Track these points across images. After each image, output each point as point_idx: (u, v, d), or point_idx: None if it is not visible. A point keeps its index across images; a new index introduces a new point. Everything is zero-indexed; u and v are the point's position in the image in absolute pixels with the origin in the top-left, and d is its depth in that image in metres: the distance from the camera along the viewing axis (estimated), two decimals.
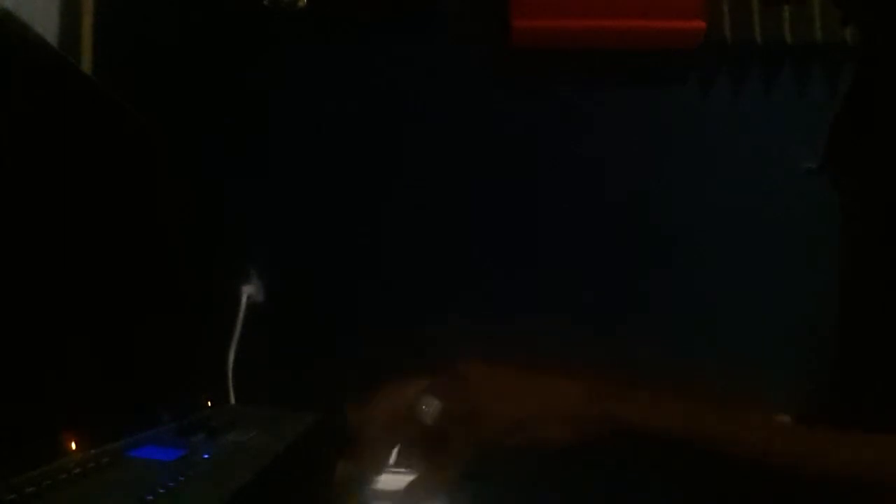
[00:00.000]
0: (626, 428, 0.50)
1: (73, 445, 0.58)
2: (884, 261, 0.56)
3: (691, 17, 1.44)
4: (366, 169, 1.47)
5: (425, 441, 0.53)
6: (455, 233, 1.46)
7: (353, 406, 0.59)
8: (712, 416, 0.50)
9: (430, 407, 0.53)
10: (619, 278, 1.45)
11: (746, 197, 1.44)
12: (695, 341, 1.42)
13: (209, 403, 0.97)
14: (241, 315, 1.39)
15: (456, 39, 1.48)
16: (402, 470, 0.54)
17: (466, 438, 0.51)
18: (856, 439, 0.46)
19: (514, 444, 0.52)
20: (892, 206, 0.54)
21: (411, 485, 0.52)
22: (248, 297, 1.40)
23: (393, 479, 0.54)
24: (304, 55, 1.48)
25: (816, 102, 1.45)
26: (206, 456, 0.63)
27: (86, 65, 1.33)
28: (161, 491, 0.50)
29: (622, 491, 0.62)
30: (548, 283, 1.44)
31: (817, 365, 0.64)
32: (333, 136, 1.48)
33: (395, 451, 0.55)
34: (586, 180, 1.48)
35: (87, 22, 1.35)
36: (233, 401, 1.26)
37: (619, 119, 1.49)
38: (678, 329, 1.43)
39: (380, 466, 0.54)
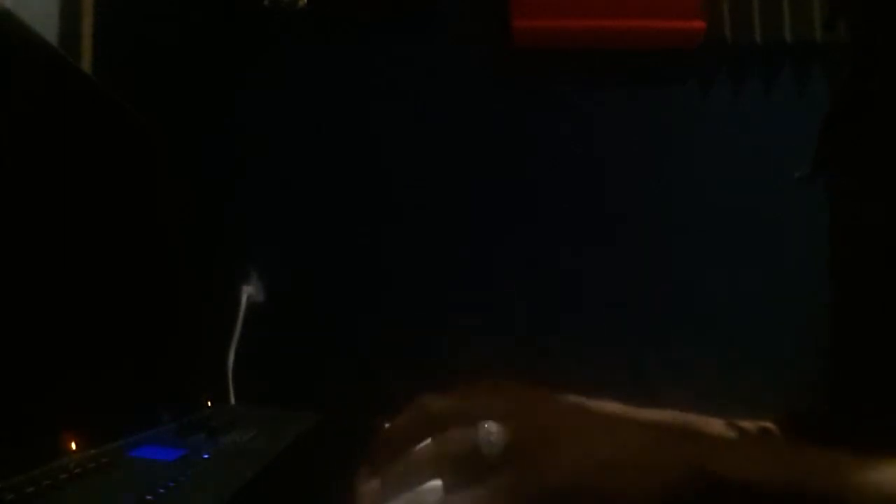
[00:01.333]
0: (714, 480, 0.42)
1: (73, 445, 0.58)
2: (878, 263, 0.55)
3: (691, 17, 1.44)
4: (366, 169, 1.48)
5: (472, 474, 0.44)
6: (455, 232, 1.46)
7: (386, 420, 0.50)
8: (821, 464, 0.42)
9: (494, 437, 0.43)
10: (619, 278, 1.45)
11: (746, 196, 1.44)
12: (694, 340, 1.42)
13: (209, 403, 0.97)
14: (241, 315, 1.39)
15: (456, 39, 1.48)
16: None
17: (530, 479, 0.43)
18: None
19: (587, 489, 0.42)
20: (887, 207, 0.54)
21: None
22: (248, 297, 1.40)
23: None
24: (304, 55, 1.48)
25: (816, 102, 1.45)
26: (206, 456, 0.63)
27: (86, 65, 1.33)
28: (161, 491, 0.50)
29: None
30: (547, 282, 1.44)
31: (816, 365, 0.64)
32: (333, 136, 1.48)
33: (433, 483, 0.46)
34: (586, 180, 1.48)
35: (87, 22, 1.35)
36: (233, 401, 1.26)
37: (619, 119, 1.49)
38: (678, 328, 1.43)
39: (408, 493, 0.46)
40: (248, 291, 1.41)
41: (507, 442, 0.43)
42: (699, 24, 1.44)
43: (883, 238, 0.54)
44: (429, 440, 0.46)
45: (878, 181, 0.55)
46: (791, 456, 0.42)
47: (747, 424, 0.68)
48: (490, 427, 0.43)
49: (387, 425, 0.50)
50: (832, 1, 0.63)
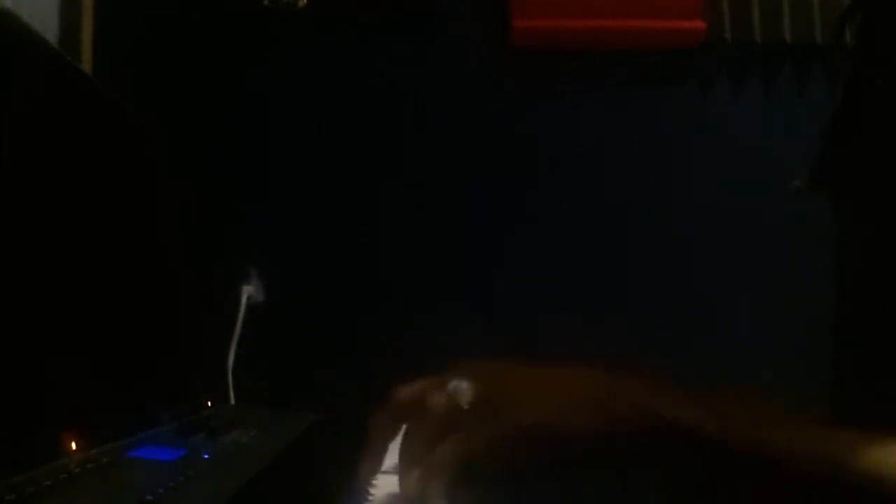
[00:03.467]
0: (659, 422, 0.48)
1: (73, 445, 0.58)
2: (883, 266, 0.55)
3: (691, 17, 1.44)
4: (366, 169, 1.48)
5: (436, 429, 0.51)
6: (455, 232, 1.46)
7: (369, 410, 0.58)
8: (752, 415, 0.48)
9: (461, 388, 0.51)
10: (619, 278, 1.45)
11: (746, 196, 1.44)
12: (694, 340, 1.42)
13: (209, 403, 0.97)
14: (241, 315, 1.38)
15: (456, 39, 1.48)
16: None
17: (492, 426, 0.50)
18: (888, 442, 0.45)
19: (548, 432, 0.50)
20: (888, 217, 0.54)
21: (411, 480, 0.50)
22: (248, 297, 1.40)
23: (393, 482, 0.53)
24: (304, 55, 1.48)
25: (816, 102, 1.45)
26: (206, 456, 0.63)
27: (86, 65, 1.33)
28: (161, 491, 0.50)
29: (643, 492, 0.59)
30: (547, 282, 1.44)
31: (817, 368, 0.63)
32: (333, 136, 1.48)
33: (400, 434, 0.53)
34: (586, 180, 1.48)
35: (87, 22, 1.35)
36: (233, 401, 1.26)
37: (619, 119, 1.49)
38: (678, 328, 1.43)
39: (384, 450, 0.52)
40: (248, 291, 1.41)
41: (476, 394, 0.50)
42: (699, 24, 1.44)
43: (888, 249, 0.54)
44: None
45: (882, 192, 0.55)
46: (727, 408, 0.49)
47: None
48: (459, 382, 0.51)
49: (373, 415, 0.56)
50: (843, 10, 0.64)
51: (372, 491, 0.55)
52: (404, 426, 0.54)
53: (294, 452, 0.72)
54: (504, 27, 1.45)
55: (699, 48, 1.46)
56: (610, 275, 1.45)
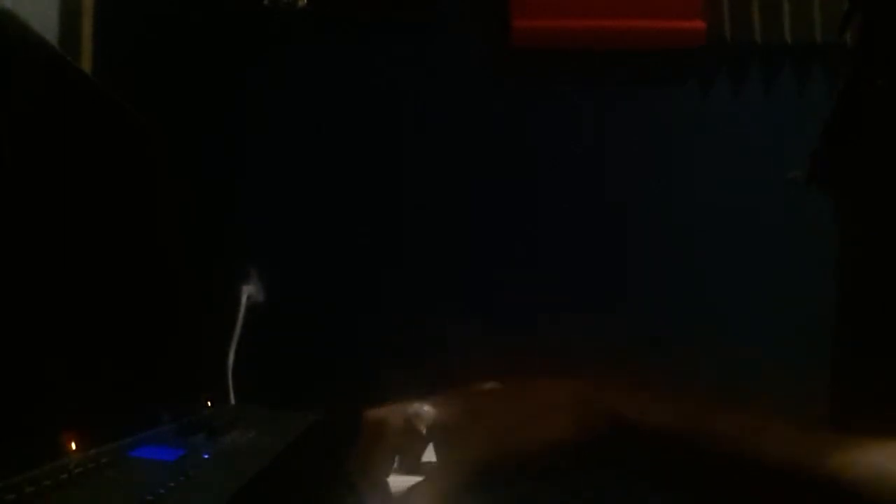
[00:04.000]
0: (625, 424, 0.48)
1: (73, 445, 0.58)
2: (881, 264, 0.55)
3: (691, 17, 1.44)
4: (366, 169, 1.48)
5: (423, 451, 0.52)
6: (455, 232, 1.46)
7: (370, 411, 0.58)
8: (717, 415, 0.48)
9: (422, 413, 0.51)
10: (620, 277, 1.45)
11: (746, 196, 1.44)
12: (694, 341, 1.42)
13: (209, 403, 0.97)
14: (241, 315, 1.38)
15: (456, 39, 1.48)
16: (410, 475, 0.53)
17: (463, 446, 0.49)
18: (861, 443, 0.45)
19: (513, 449, 0.49)
20: (886, 216, 0.54)
21: (410, 490, 0.51)
22: (248, 297, 1.40)
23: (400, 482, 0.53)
24: (304, 55, 1.48)
25: (816, 102, 1.45)
26: (206, 456, 0.63)
27: (86, 65, 1.33)
28: (161, 491, 0.50)
29: (622, 495, 0.60)
30: (548, 282, 1.44)
31: (816, 364, 0.64)
32: (333, 136, 1.48)
33: (395, 460, 0.53)
34: (586, 180, 1.48)
35: (87, 22, 1.35)
36: (233, 401, 1.26)
37: (619, 119, 1.49)
38: (678, 328, 1.43)
39: (379, 474, 0.52)
40: (248, 291, 1.41)
41: (436, 419, 0.50)
42: (699, 24, 1.44)
43: (887, 244, 0.54)
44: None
45: (880, 192, 0.55)
46: (695, 409, 0.48)
47: None
48: (418, 406, 0.51)
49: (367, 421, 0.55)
50: (848, 9, 0.64)
51: None
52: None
53: (294, 452, 0.72)
54: (504, 27, 1.45)
55: (699, 48, 1.46)
56: (610, 274, 1.45)
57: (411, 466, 0.52)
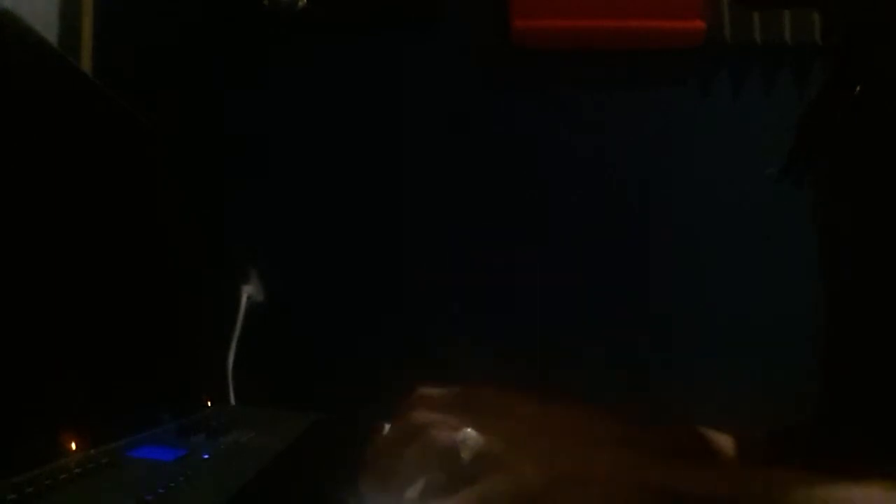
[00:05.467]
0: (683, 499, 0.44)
1: (73, 445, 0.58)
2: (860, 261, 0.55)
3: (691, 17, 1.44)
4: (366, 169, 1.47)
5: (453, 479, 0.48)
6: (455, 233, 1.46)
7: (376, 426, 0.55)
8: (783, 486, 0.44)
9: (470, 441, 0.48)
10: (620, 278, 1.45)
11: (746, 196, 1.44)
12: (695, 342, 1.42)
13: (209, 403, 0.97)
14: (241, 315, 1.38)
15: (456, 39, 1.48)
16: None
17: (497, 486, 0.46)
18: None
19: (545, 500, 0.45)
20: (865, 204, 0.54)
21: None
22: (248, 297, 1.40)
23: None
24: (304, 55, 1.48)
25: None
26: (206, 456, 0.63)
27: (86, 65, 1.33)
28: (161, 491, 0.50)
29: None
30: (548, 282, 1.44)
31: (811, 368, 0.64)
32: (333, 136, 1.48)
33: (418, 485, 0.50)
34: (586, 180, 1.48)
35: (87, 22, 1.35)
36: (233, 401, 1.26)
37: (619, 119, 1.49)
38: (679, 329, 1.43)
39: (397, 486, 0.50)
40: (248, 291, 1.41)
41: (481, 449, 0.47)
42: (699, 24, 1.44)
43: (861, 236, 0.54)
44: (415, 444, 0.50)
45: (857, 178, 0.55)
46: (748, 478, 0.44)
47: (748, 436, 0.68)
48: (467, 433, 0.48)
49: (380, 434, 0.53)
50: (827, 13, 0.64)
51: None
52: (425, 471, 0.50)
53: (294, 452, 0.72)
54: (504, 27, 1.45)
55: (699, 48, 1.46)
56: (610, 274, 1.45)
57: (433, 494, 0.49)
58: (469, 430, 0.49)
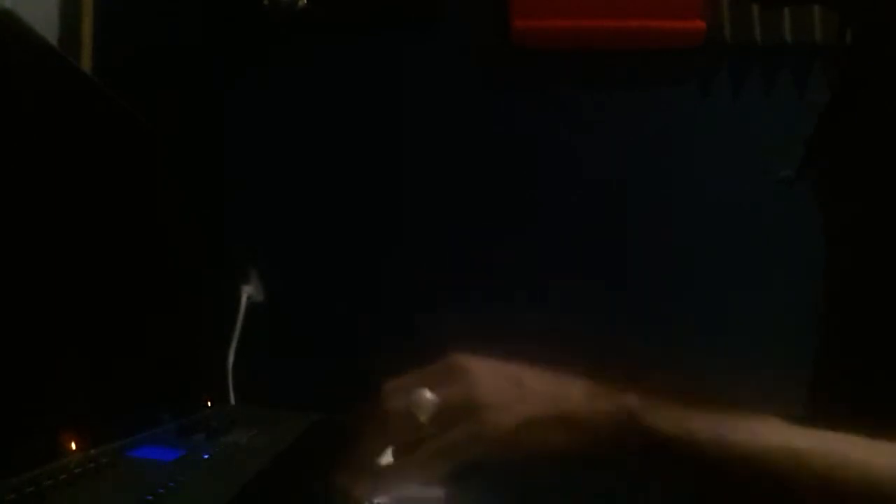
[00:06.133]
0: (649, 432, 0.44)
1: (73, 445, 0.58)
2: (867, 265, 0.55)
3: (691, 17, 1.44)
4: (366, 169, 1.47)
5: (416, 439, 0.48)
6: (454, 233, 1.46)
7: (354, 410, 0.55)
8: (742, 425, 0.45)
9: (423, 402, 0.48)
10: (619, 277, 1.45)
11: (746, 196, 1.44)
12: (695, 339, 1.42)
13: (209, 403, 0.97)
14: (241, 315, 1.38)
15: (456, 39, 1.48)
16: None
17: (465, 436, 0.46)
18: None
19: (516, 446, 0.46)
20: (877, 206, 0.54)
21: (398, 468, 0.47)
22: (248, 297, 1.40)
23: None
24: (304, 55, 1.48)
25: (816, 102, 1.45)
26: (206, 456, 0.63)
27: (86, 65, 1.33)
28: (161, 491, 0.50)
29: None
30: (548, 282, 1.44)
31: (810, 366, 0.64)
32: (333, 136, 1.47)
33: (388, 452, 0.51)
34: (586, 180, 1.48)
35: (87, 22, 1.35)
36: (233, 401, 1.26)
37: (619, 119, 1.49)
38: (678, 327, 1.43)
39: (372, 467, 0.50)
40: (248, 291, 1.41)
41: (439, 407, 0.47)
42: (699, 24, 1.44)
43: (871, 238, 0.54)
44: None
45: (868, 181, 0.55)
46: (722, 418, 0.45)
47: None
48: (419, 394, 0.48)
49: (352, 417, 0.54)
50: (843, 12, 0.64)
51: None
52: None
53: (294, 452, 0.72)
54: (504, 27, 1.45)
55: (699, 48, 1.46)
56: (610, 274, 1.45)
57: (403, 459, 0.49)
58: (421, 390, 0.48)
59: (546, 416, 0.46)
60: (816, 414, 0.60)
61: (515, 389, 0.48)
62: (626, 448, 0.45)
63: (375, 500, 0.51)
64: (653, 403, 0.46)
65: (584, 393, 0.47)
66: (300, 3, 1.40)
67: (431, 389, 0.49)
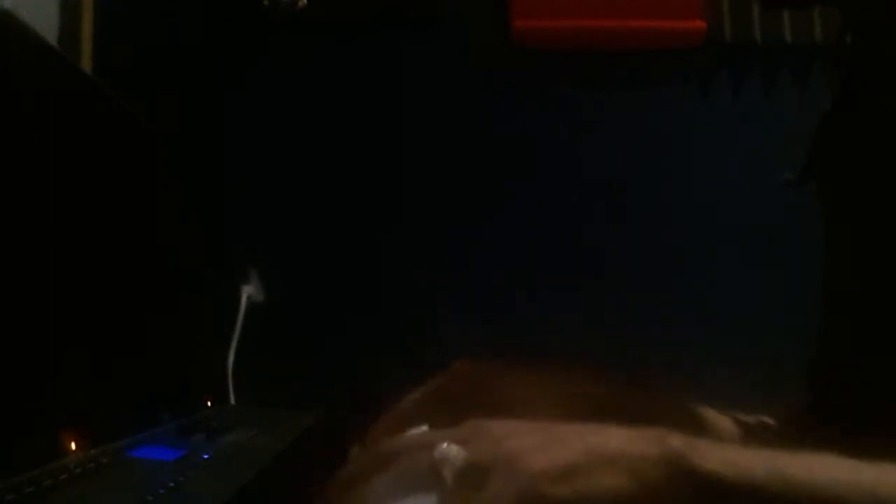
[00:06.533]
0: (702, 478, 0.41)
1: (73, 445, 0.58)
2: (868, 266, 0.55)
3: (691, 17, 1.44)
4: (366, 169, 1.47)
5: (448, 495, 0.43)
6: (454, 233, 1.46)
7: (356, 441, 0.52)
8: (797, 461, 0.42)
9: (452, 459, 0.43)
10: (619, 277, 1.45)
11: (746, 196, 1.44)
12: (695, 340, 1.42)
13: (209, 403, 0.97)
14: (241, 315, 1.39)
15: (456, 39, 1.48)
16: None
17: (502, 491, 0.42)
18: None
19: (559, 496, 0.42)
20: (880, 211, 0.54)
21: None
22: (248, 297, 1.40)
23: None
24: (304, 55, 1.48)
25: (816, 102, 1.45)
26: (206, 456, 0.63)
27: (86, 65, 1.33)
28: (161, 491, 0.50)
29: None
30: (548, 282, 1.44)
31: (810, 364, 0.64)
32: (333, 136, 1.47)
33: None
34: (586, 180, 1.48)
35: (87, 22, 1.35)
36: (233, 401, 1.26)
37: (619, 119, 1.49)
38: (678, 327, 1.43)
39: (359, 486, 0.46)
40: (248, 291, 1.41)
41: (466, 461, 0.43)
42: (699, 24, 1.44)
43: (872, 238, 0.54)
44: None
45: (869, 182, 0.55)
46: (774, 454, 0.42)
47: (748, 419, 0.68)
48: (448, 448, 0.43)
49: (350, 460, 0.50)
50: (845, 14, 0.63)
51: None
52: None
53: (294, 452, 0.72)
54: (504, 27, 1.45)
55: (699, 48, 1.46)
56: (610, 274, 1.45)
57: None
58: (446, 445, 0.44)
59: (590, 461, 0.42)
60: (816, 414, 0.60)
61: (545, 433, 0.44)
62: (681, 490, 0.42)
63: None
64: (696, 442, 0.43)
65: (623, 435, 0.44)
66: (300, 3, 1.40)
67: (446, 422, 0.45)
